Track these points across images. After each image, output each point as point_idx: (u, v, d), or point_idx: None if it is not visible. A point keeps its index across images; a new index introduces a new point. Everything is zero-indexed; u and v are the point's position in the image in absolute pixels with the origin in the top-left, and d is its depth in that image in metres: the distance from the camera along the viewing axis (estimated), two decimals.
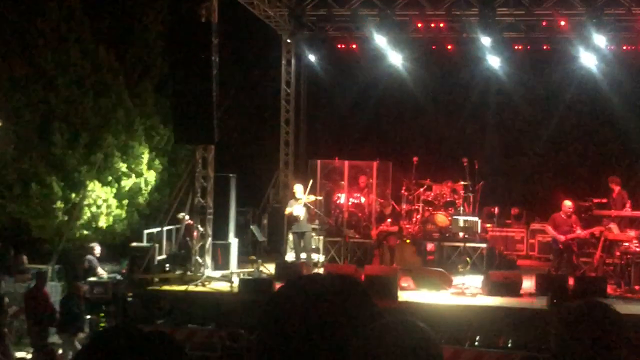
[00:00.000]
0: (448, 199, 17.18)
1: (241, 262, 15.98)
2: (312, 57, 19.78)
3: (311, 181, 16.30)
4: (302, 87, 20.79)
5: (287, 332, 1.81)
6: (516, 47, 18.93)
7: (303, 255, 15.77)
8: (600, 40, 16.93)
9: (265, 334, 1.86)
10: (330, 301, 1.87)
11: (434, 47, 19.26)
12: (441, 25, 18.09)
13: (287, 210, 15.83)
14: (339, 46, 19.89)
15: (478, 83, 21.17)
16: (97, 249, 16.25)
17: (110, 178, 18.15)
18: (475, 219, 16.39)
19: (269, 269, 15.16)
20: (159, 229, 15.96)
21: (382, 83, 21.26)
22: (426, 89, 21.97)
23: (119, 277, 15.12)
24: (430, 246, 16.82)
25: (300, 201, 15.49)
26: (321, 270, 15.03)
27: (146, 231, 16.13)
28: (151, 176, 19.04)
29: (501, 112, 22.68)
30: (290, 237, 16.91)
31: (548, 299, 12.24)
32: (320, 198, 16.86)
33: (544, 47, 19.15)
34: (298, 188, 15.79)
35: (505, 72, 19.65)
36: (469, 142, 22.17)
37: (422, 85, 21.50)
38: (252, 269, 15.03)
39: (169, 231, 16.47)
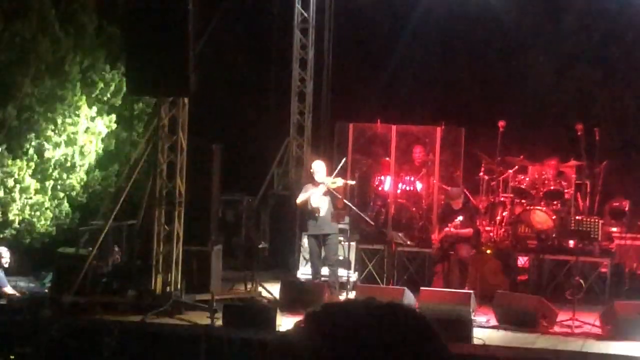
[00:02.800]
0: (552, 187, 17.17)
1: (228, 280, 16.04)
2: None
3: (344, 159, 16.26)
4: (327, 8, 20.63)
5: None
6: None
7: (325, 271, 15.67)
8: None
9: None
10: (374, 347, 1.85)
11: None
12: None
13: (301, 199, 15.84)
14: None
15: (602, 6, 20.93)
16: (5, 256, 16.28)
17: (26, 146, 18.18)
18: (595, 219, 16.24)
19: (271, 290, 15.24)
20: (101, 226, 15.90)
21: (451, 8, 21.09)
22: (523, 14, 21.76)
23: (39, 299, 15.11)
24: (522, 260, 16.86)
25: (321, 187, 15.43)
26: (352, 295, 14.97)
27: (82, 229, 16.06)
28: (90, 144, 19.05)
29: (638, 51, 22.41)
30: (305, 241, 16.90)
31: None
32: (353, 182, 16.82)
33: None
34: (319, 166, 15.77)
35: None
36: (586, 99, 21.99)
37: (517, 9, 21.29)
38: (244, 291, 15.09)
39: (117, 230, 16.46)
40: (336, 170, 15.84)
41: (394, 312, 1.91)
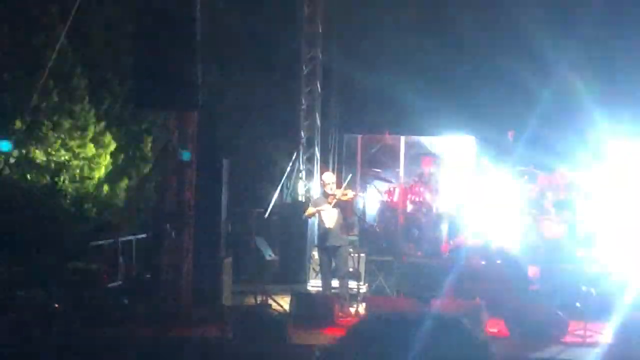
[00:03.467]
0: (562, 197, 17.04)
1: (238, 293, 16.08)
2: None
3: (350, 175, 16.29)
4: (334, 23, 20.61)
5: None
6: None
7: (335, 283, 15.71)
8: None
9: None
10: None
11: None
12: None
13: (310, 211, 15.75)
14: None
15: (616, 16, 20.93)
16: None
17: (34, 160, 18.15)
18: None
19: (282, 303, 15.23)
20: (111, 240, 15.83)
21: (458, 14, 21.08)
22: (531, 22, 21.69)
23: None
24: (533, 270, 16.71)
25: (331, 198, 15.38)
26: (362, 307, 14.96)
27: (92, 243, 16.04)
28: (99, 158, 19.03)
29: None
30: (315, 254, 16.87)
31: None
32: (362, 195, 16.78)
33: None
34: (329, 177, 15.68)
35: None
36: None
37: (526, 15, 21.24)
38: (255, 303, 15.14)
39: (126, 244, 16.44)
40: (344, 184, 15.81)
41: (451, 327, 1.86)
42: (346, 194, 15.66)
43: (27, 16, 18.54)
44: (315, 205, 15.75)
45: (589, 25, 21.45)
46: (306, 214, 16.08)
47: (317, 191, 16.26)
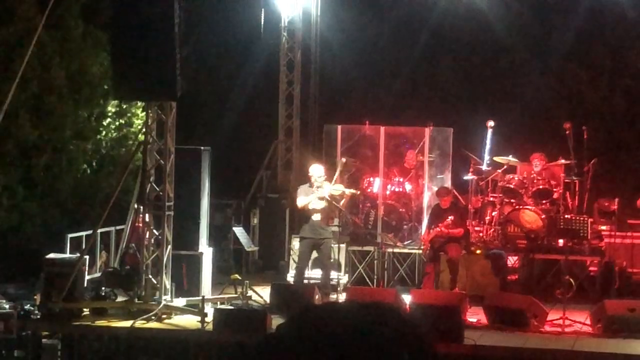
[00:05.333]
0: (541, 187, 17.13)
1: (218, 284, 16.05)
2: None
3: (344, 159, 16.17)
4: (314, 10, 20.58)
5: None
6: None
7: (317, 273, 15.68)
8: None
9: None
10: (358, 349, 1.83)
11: None
12: None
13: (304, 202, 15.52)
14: None
15: (589, 4, 20.95)
16: None
17: (14, 152, 18.10)
18: (584, 217, 16.26)
19: (262, 294, 15.23)
20: (90, 232, 15.87)
21: (439, 6, 21.06)
22: (510, 15, 21.78)
23: (28, 306, 15.06)
24: (512, 260, 16.88)
25: (320, 191, 15.26)
26: (342, 297, 14.95)
27: (70, 235, 16.04)
28: (78, 149, 18.98)
29: (625, 51, 22.44)
30: (295, 244, 16.82)
31: None
32: (358, 192, 16.62)
33: None
34: (317, 170, 15.53)
35: None
36: (575, 98, 22.01)
37: (504, 9, 21.30)
38: (234, 295, 15.09)
39: (106, 235, 16.40)
40: (336, 173, 15.72)
41: (382, 314, 1.89)
42: (337, 190, 15.44)
43: (4, 7, 18.47)
44: (304, 195, 15.52)
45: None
46: (300, 205, 15.76)
47: (299, 181, 16.15)
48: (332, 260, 16.29)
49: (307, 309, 1.97)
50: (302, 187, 15.73)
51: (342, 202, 15.55)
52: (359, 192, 16.86)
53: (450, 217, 15.81)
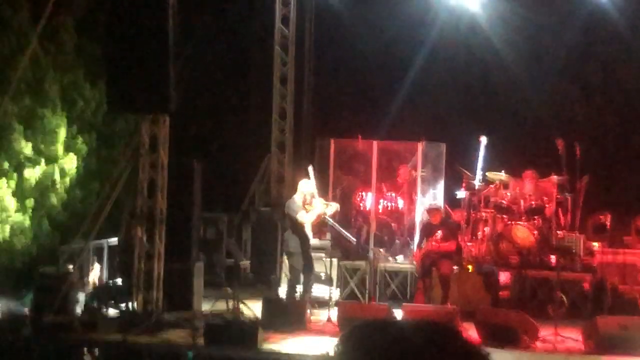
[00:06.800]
0: (533, 203, 17.11)
1: (210, 298, 16.00)
2: None
3: (310, 167, 16.09)
4: (307, 25, 20.62)
5: None
6: None
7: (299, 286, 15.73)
8: None
9: None
10: None
11: None
12: None
13: (310, 218, 15.54)
14: None
15: (581, 22, 21.00)
16: None
17: (6, 165, 18.05)
18: (576, 234, 16.24)
19: (253, 308, 15.15)
20: (81, 245, 15.83)
21: (433, 23, 21.09)
22: (503, 31, 21.78)
23: (19, 319, 15.01)
24: (504, 276, 16.83)
25: (311, 208, 15.26)
26: (334, 311, 14.92)
27: (63, 248, 15.93)
28: (71, 162, 18.93)
29: (617, 68, 22.47)
30: (286, 259, 16.80)
31: None
32: (337, 206, 16.58)
33: None
34: (307, 186, 15.50)
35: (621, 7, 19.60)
36: (567, 114, 22.02)
37: (497, 26, 21.31)
38: (226, 309, 15.02)
39: (98, 249, 16.35)
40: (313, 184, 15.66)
41: (437, 332, 1.93)
42: (330, 206, 15.49)
43: None
44: (296, 210, 15.47)
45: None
46: (305, 221, 15.61)
47: (291, 196, 16.07)
48: (322, 275, 16.26)
49: (363, 325, 1.99)
50: (298, 202, 15.57)
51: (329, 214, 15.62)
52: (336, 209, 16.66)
53: (440, 234, 15.81)
